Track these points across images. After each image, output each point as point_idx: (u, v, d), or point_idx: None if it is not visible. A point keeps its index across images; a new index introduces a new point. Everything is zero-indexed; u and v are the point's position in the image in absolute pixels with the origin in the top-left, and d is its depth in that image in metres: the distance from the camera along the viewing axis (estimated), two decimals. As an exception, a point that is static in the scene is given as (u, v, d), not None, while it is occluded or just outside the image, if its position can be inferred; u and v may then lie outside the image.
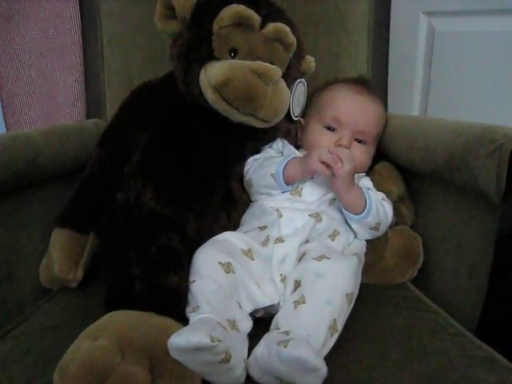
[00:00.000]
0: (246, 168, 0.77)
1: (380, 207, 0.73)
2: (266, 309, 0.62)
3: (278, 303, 0.62)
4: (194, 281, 0.59)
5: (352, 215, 0.71)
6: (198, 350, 0.46)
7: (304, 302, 0.56)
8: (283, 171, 0.72)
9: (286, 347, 0.47)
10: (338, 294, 0.57)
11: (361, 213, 0.71)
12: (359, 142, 0.81)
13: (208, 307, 0.55)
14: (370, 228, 0.72)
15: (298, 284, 0.61)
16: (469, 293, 0.68)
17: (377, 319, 0.64)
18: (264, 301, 0.61)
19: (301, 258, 0.65)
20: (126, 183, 0.71)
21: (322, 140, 0.80)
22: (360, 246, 0.73)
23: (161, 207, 0.67)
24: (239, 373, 0.52)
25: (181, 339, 0.46)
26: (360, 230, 0.73)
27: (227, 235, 0.67)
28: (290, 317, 0.56)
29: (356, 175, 0.78)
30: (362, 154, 0.81)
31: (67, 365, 0.48)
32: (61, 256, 0.70)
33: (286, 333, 0.52)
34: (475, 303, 0.66)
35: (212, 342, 0.46)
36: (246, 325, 0.58)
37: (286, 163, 0.72)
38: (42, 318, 0.67)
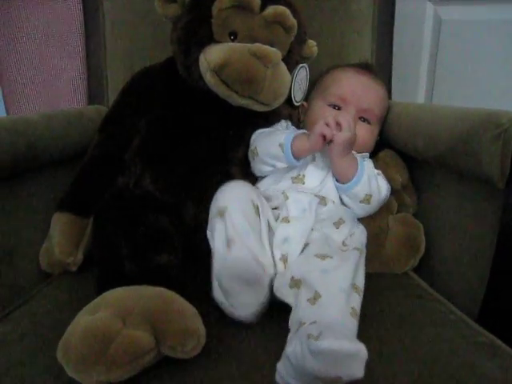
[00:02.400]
0: (252, 138, 0.77)
1: (373, 179, 0.72)
2: None
3: (274, 276, 0.62)
4: (227, 208, 0.59)
5: (341, 184, 0.71)
6: (246, 268, 0.54)
7: (320, 296, 0.54)
8: (292, 141, 0.70)
9: (316, 340, 0.44)
10: (348, 284, 0.57)
11: (350, 180, 0.70)
12: (363, 120, 0.81)
13: (244, 248, 0.56)
14: (361, 201, 0.72)
15: (295, 282, 0.59)
16: (471, 281, 0.68)
17: (378, 307, 0.64)
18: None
19: (303, 248, 0.65)
20: (127, 168, 0.71)
21: (326, 117, 0.79)
22: (361, 239, 0.72)
23: (160, 192, 0.67)
24: (255, 303, 0.56)
25: (235, 256, 0.55)
26: (351, 203, 0.73)
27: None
28: (312, 312, 0.53)
29: (359, 155, 0.78)
30: (365, 132, 0.80)
31: (69, 339, 0.48)
32: (61, 239, 0.70)
33: (314, 322, 0.50)
34: (477, 291, 0.65)
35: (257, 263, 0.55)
36: (271, 270, 0.60)
37: (296, 135, 0.72)
38: (42, 301, 0.67)
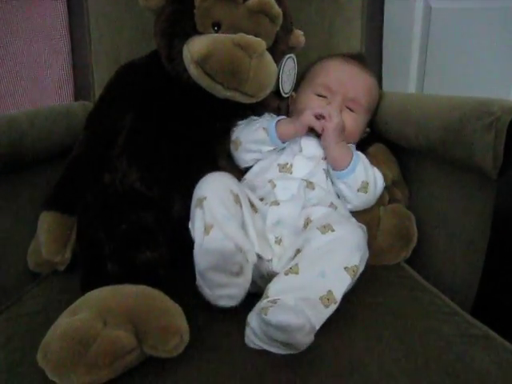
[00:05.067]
0: (233, 132, 0.77)
1: (369, 167, 0.74)
2: (257, 264, 0.60)
3: (270, 260, 0.62)
4: (205, 198, 0.59)
5: (339, 172, 0.72)
6: (224, 255, 0.53)
7: (297, 273, 0.56)
8: (276, 125, 0.72)
9: (266, 314, 0.49)
10: (335, 266, 0.57)
11: (347, 166, 0.71)
12: (350, 110, 0.80)
13: (221, 232, 0.55)
14: (358, 189, 0.72)
15: (297, 252, 0.60)
16: (464, 271, 0.67)
17: (371, 300, 0.64)
18: (257, 250, 0.60)
19: (307, 223, 0.65)
20: (113, 165, 0.70)
21: (312, 105, 0.79)
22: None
23: (146, 187, 0.66)
24: (240, 294, 0.56)
25: (211, 243, 0.53)
26: (349, 192, 0.73)
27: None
28: (280, 285, 0.56)
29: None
30: (351, 121, 0.80)
31: (49, 341, 0.47)
32: (48, 238, 0.69)
33: (274, 301, 0.52)
34: (471, 282, 0.64)
35: (236, 247, 0.53)
36: (254, 257, 0.58)
37: (279, 120, 0.73)
38: (29, 302, 0.66)
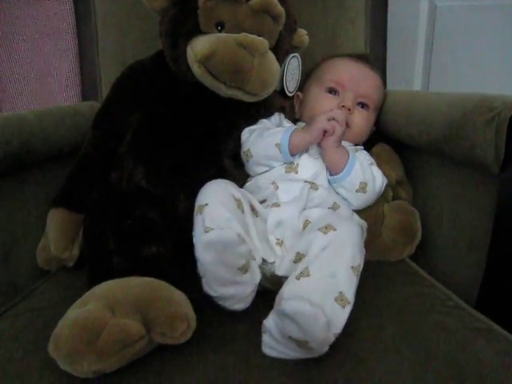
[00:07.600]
0: (243, 138, 0.76)
1: (366, 168, 0.73)
2: (260, 266, 0.61)
3: (273, 263, 0.62)
4: (207, 204, 0.58)
5: (335, 176, 0.71)
6: (226, 245, 0.52)
7: (308, 275, 0.54)
8: (289, 140, 0.71)
9: (280, 305, 0.49)
10: (343, 267, 0.55)
11: (343, 169, 0.71)
12: (361, 107, 0.80)
13: (223, 229, 0.54)
14: (357, 190, 0.72)
15: (300, 256, 0.59)
16: (468, 266, 0.67)
17: (375, 294, 0.64)
18: (261, 253, 0.61)
19: (305, 225, 0.65)
20: (120, 163, 0.71)
21: (324, 103, 0.80)
22: (361, 221, 0.73)
23: (152, 186, 0.67)
24: (246, 294, 0.56)
25: (211, 234, 0.52)
26: (347, 194, 0.72)
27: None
28: (294, 288, 0.54)
29: (353, 147, 0.79)
30: (363, 119, 0.80)
31: (59, 332, 0.48)
32: (56, 235, 0.71)
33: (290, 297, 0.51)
34: (474, 276, 0.64)
35: (239, 237, 0.52)
36: (259, 257, 0.59)
37: (292, 132, 0.72)
38: (39, 297, 0.67)
